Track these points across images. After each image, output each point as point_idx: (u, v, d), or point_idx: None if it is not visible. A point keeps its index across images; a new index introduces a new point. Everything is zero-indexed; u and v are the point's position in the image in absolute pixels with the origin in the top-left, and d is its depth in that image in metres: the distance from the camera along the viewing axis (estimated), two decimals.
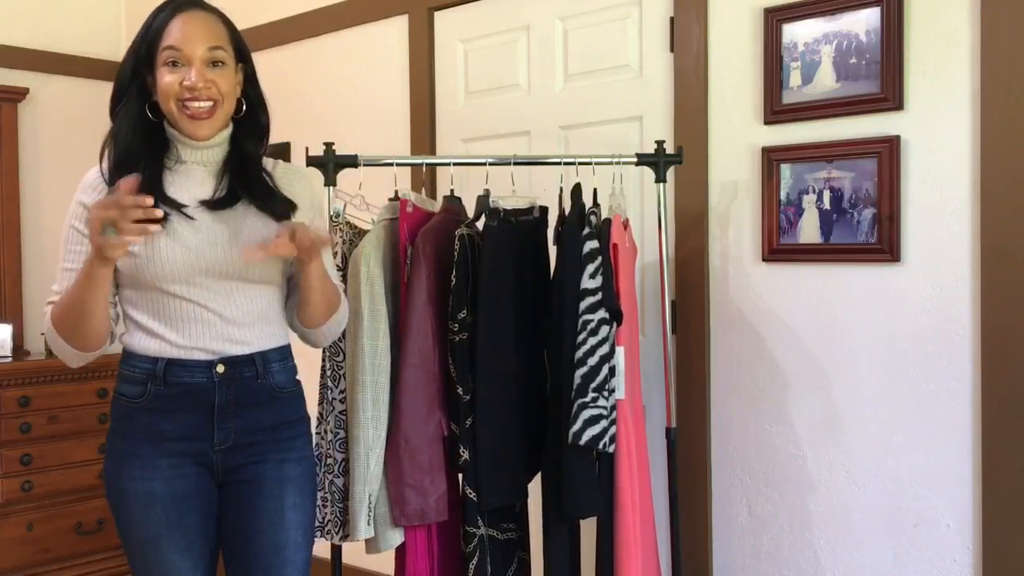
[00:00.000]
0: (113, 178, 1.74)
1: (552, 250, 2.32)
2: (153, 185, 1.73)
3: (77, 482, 3.61)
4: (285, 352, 1.89)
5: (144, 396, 1.77)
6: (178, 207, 1.74)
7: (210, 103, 1.74)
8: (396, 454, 2.17)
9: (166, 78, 1.73)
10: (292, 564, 1.83)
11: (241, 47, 1.83)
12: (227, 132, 1.83)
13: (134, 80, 1.77)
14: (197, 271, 1.74)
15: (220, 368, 1.78)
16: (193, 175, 1.80)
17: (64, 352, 1.76)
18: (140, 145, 1.76)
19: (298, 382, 1.93)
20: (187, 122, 1.74)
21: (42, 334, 3.67)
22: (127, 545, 1.80)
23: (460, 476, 2.26)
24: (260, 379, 1.82)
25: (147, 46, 1.75)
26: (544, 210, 2.38)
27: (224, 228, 1.77)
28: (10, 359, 3.56)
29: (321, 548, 2.39)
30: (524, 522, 2.37)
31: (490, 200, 2.27)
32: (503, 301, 2.23)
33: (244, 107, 1.84)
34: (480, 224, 2.27)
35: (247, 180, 1.81)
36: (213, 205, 1.77)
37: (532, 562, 2.40)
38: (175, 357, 1.76)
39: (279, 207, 1.82)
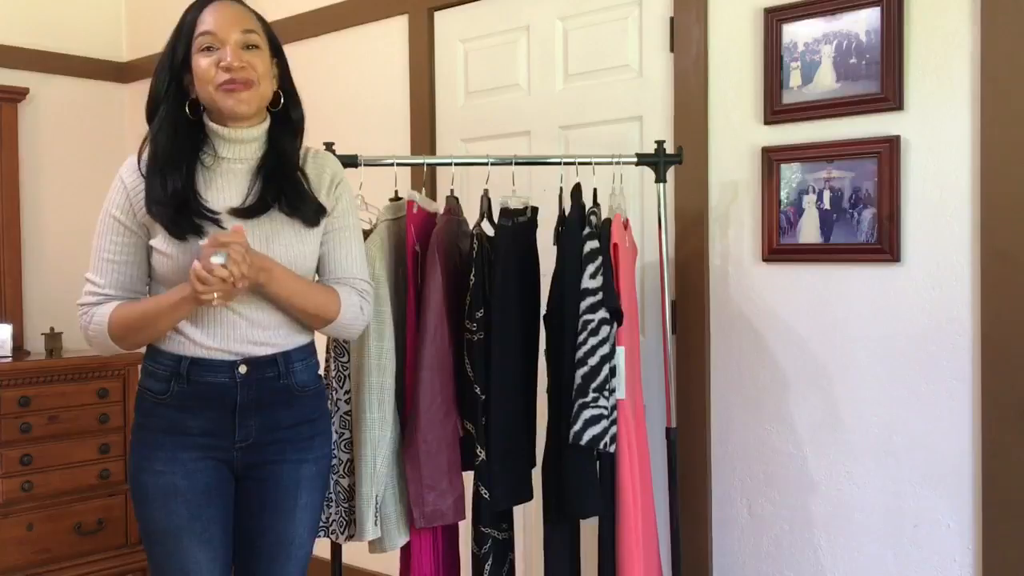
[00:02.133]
0: (150, 175, 1.76)
1: (544, 250, 2.32)
2: (188, 190, 1.75)
3: (77, 482, 3.60)
4: (308, 350, 1.92)
5: (168, 393, 1.80)
6: (213, 214, 1.76)
7: (246, 83, 1.76)
8: (415, 456, 2.18)
9: (202, 63, 1.75)
10: (295, 560, 1.88)
11: (274, 40, 1.86)
12: (265, 126, 1.84)
13: (171, 81, 1.79)
14: None
15: (242, 369, 1.80)
16: (229, 175, 1.81)
17: (107, 349, 1.83)
18: (179, 146, 1.78)
19: (320, 378, 1.95)
20: (225, 97, 1.75)
21: (43, 334, 3.70)
22: (147, 538, 1.83)
23: (474, 476, 2.26)
24: (282, 379, 1.85)
25: (183, 43, 1.77)
26: (535, 210, 2.38)
27: (255, 232, 1.78)
28: (10, 359, 3.56)
29: (321, 548, 2.39)
30: (513, 522, 2.38)
31: (496, 200, 2.27)
32: (513, 301, 2.23)
33: (282, 100, 1.86)
34: (485, 224, 2.28)
35: (281, 184, 1.82)
36: (242, 214, 1.78)
37: (532, 562, 2.41)
38: (199, 357, 1.79)
39: (310, 214, 1.83)
